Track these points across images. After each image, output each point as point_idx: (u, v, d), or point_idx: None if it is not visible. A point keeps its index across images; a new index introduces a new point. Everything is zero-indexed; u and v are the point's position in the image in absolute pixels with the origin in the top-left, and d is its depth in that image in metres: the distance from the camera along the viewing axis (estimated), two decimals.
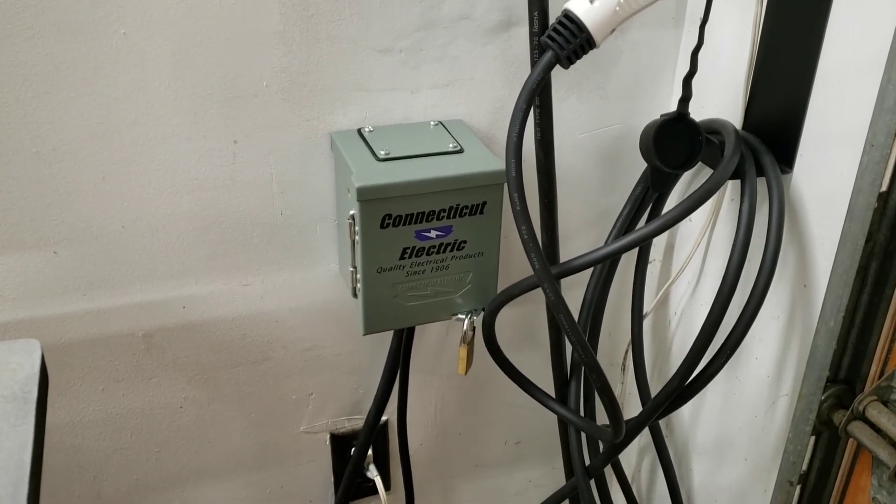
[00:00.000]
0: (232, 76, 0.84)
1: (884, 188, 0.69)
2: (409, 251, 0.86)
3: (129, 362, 0.95)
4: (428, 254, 0.87)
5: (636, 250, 1.05)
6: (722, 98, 0.93)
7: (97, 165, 0.84)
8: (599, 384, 0.80)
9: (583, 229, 1.10)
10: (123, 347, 0.94)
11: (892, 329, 0.75)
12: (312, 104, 0.89)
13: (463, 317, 0.93)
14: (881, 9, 0.69)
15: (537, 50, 0.75)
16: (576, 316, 1.01)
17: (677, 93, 0.82)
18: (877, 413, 0.73)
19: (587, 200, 1.08)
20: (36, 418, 0.46)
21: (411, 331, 1.01)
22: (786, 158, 0.85)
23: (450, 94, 0.95)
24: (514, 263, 1.00)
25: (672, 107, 0.84)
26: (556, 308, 0.77)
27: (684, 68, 0.80)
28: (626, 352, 1.17)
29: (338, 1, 0.84)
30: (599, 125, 1.03)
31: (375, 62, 0.89)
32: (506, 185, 0.76)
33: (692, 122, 0.83)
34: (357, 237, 0.84)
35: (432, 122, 0.94)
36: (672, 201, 1.01)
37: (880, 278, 0.74)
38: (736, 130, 0.85)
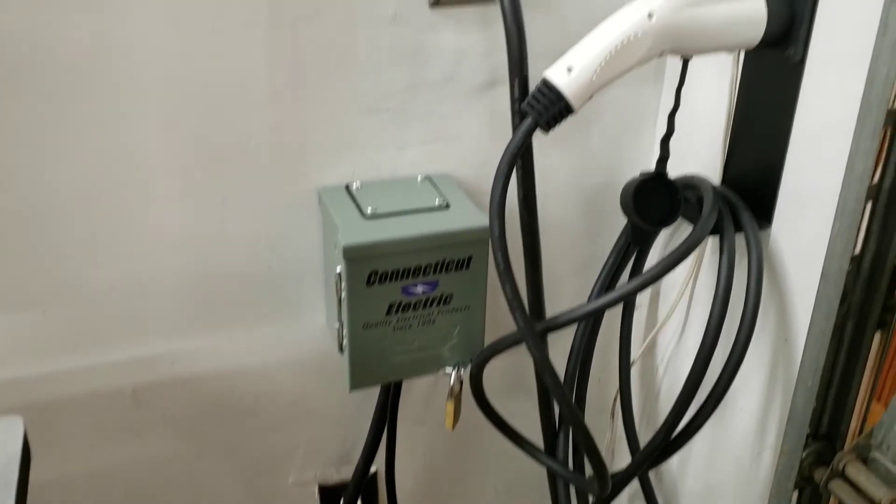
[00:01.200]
0: (221, 136, 0.86)
1: (857, 252, 0.70)
2: (395, 307, 0.87)
3: (118, 418, 0.96)
4: (414, 309, 0.88)
5: None
6: (702, 154, 0.95)
7: (86, 225, 0.85)
8: (584, 442, 0.81)
9: (568, 276, 1.11)
10: (112, 404, 0.94)
11: (869, 387, 0.76)
12: (300, 161, 0.90)
13: (450, 370, 0.94)
14: (850, 76, 0.71)
15: (518, 115, 0.77)
16: (565, 362, 1.03)
17: (659, 145, 0.83)
18: (856, 472, 0.73)
19: (572, 249, 1.10)
20: (16, 501, 0.46)
21: (399, 384, 1.01)
22: (764, 214, 0.86)
23: (437, 150, 0.96)
24: (502, 314, 1.00)
25: (653, 158, 0.86)
26: (540, 367, 0.78)
27: (665, 122, 0.82)
28: (615, 399, 1.17)
29: (326, 64, 0.86)
30: (583, 177, 1.05)
31: (363, 121, 0.91)
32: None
33: (670, 181, 0.85)
34: (343, 294, 0.85)
35: (420, 177, 0.96)
36: (655, 249, 1.02)
37: (856, 337, 0.75)
38: (714, 187, 0.87)
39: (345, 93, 0.88)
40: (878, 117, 0.66)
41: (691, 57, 0.78)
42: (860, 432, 0.77)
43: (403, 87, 0.91)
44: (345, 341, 0.88)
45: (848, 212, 0.68)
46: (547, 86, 0.72)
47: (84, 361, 0.91)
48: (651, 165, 0.86)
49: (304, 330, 0.99)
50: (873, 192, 0.71)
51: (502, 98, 0.95)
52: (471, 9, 0.90)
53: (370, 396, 1.03)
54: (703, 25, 0.73)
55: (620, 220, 0.99)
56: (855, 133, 0.68)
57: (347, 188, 0.92)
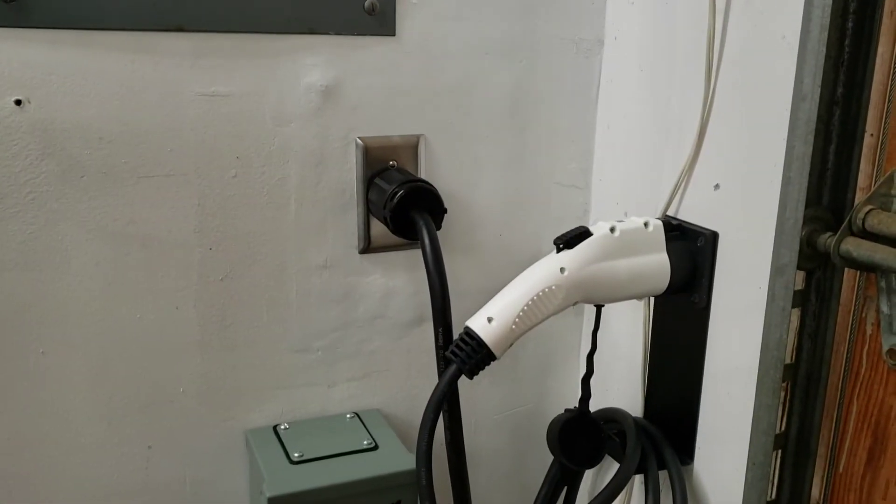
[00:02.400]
0: (149, 384, 0.86)
1: (772, 497, 0.72)
2: None
3: None
4: None
5: None
6: (623, 387, 0.99)
7: (5, 483, 0.82)
8: None
9: None
10: None
11: None
12: (229, 405, 0.91)
13: None
14: (750, 325, 0.76)
15: (443, 362, 0.80)
16: None
17: (584, 371, 0.86)
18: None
19: (505, 478, 1.10)
20: None
21: None
22: (686, 450, 0.89)
23: (366, 386, 0.98)
24: None
25: (578, 385, 0.88)
26: None
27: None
28: None
29: (256, 309, 0.89)
30: (512, 406, 1.07)
31: (292, 361, 0.93)
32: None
33: (593, 420, 0.87)
34: None
35: (348, 415, 0.96)
36: (587, 480, 1.03)
37: None
38: (636, 423, 0.89)
39: (275, 335, 0.91)
40: (776, 375, 0.70)
41: (604, 304, 0.83)
42: None
43: (333, 327, 0.94)
44: None
45: (758, 464, 0.71)
46: (469, 335, 0.75)
47: None
48: (577, 392, 0.88)
49: None
50: (781, 441, 0.74)
51: (429, 332, 0.99)
52: (399, 254, 0.95)
53: None
54: (611, 278, 0.78)
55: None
56: (756, 391, 0.72)
57: (275, 430, 0.92)
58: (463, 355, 0.75)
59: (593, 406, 0.88)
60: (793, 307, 0.69)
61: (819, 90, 0.64)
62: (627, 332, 0.97)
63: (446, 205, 0.87)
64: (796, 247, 0.66)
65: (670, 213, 0.88)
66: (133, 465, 0.88)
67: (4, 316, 0.79)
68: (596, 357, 0.85)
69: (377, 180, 0.89)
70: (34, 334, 0.80)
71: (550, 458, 1.01)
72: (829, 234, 0.67)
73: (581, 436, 0.87)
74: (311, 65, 0.84)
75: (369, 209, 0.91)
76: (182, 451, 0.89)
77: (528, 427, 1.09)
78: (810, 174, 0.67)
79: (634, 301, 0.95)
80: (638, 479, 0.98)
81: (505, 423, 1.07)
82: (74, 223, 0.79)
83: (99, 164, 0.79)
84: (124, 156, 0.79)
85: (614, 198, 0.97)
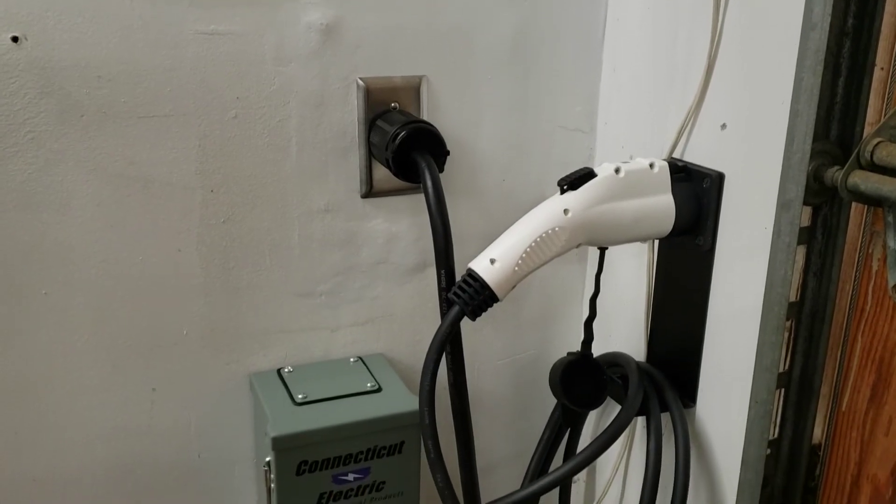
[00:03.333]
0: (152, 327, 0.86)
1: (774, 436, 0.73)
2: (326, 496, 0.86)
3: None
4: (346, 497, 0.87)
5: None
6: (626, 332, 0.99)
7: (10, 421, 0.83)
8: None
9: (504, 452, 1.11)
10: None
11: None
12: (232, 348, 0.91)
13: None
14: (754, 266, 0.76)
15: (445, 304, 0.80)
16: None
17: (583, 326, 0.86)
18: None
19: (507, 424, 1.10)
20: None
21: None
22: (689, 393, 0.89)
23: (369, 331, 0.98)
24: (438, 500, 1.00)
25: (581, 331, 0.88)
26: None
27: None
28: None
29: (258, 252, 0.89)
30: (515, 352, 1.07)
31: (296, 305, 0.93)
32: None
33: (596, 362, 0.87)
34: (273, 485, 0.84)
35: (352, 359, 0.97)
36: (589, 425, 1.04)
37: None
38: (638, 367, 0.89)
39: (278, 279, 0.91)
40: (780, 312, 0.70)
41: (608, 247, 0.82)
42: None
43: (336, 271, 0.93)
44: None
45: (761, 402, 0.71)
46: (472, 276, 0.75)
47: None
48: (579, 339, 0.88)
49: None
50: (784, 380, 0.74)
51: (433, 278, 0.99)
52: (401, 198, 0.94)
53: None
54: (615, 220, 0.77)
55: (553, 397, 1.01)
56: (760, 328, 0.71)
57: (279, 373, 0.92)
58: (465, 297, 0.75)
59: (596, 353, 0.88)
60: (798, 244, 0.69)
61: (829, 19, 0.63)
62: (631, 277, 0.97)
63: (448, 148, 0.86)
64: (803, 181, 0.65)
65: (676, 155, 0.87)
66: (138, 407, 0.88)
67: (6, 256, 0.78)
68: (599, 302, 0.85)
69: (379, 122, 0.88)
70: (37, 275, 0.80)
71: (553, 404, 1.01)
72: (836, 167, 0.66)
73: (583, 378, 0.88)
74: (311, 3, 0.83)
75: (371, 152, 0.90)
76: (186, 393, 0.90)
77: (530, 373, 1.09)
78: (818, 107, 0.65)
79: (638, 246, 0.94)
80: (640, 423, 0.99)
81: (507, 370, 1.08)
82: (74, 163, 0.79)
83: (98, 103, 0.78)
84: (123, 95, 0.79)
85: (620, 141, 0.96)
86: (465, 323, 0.75)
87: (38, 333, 0.82)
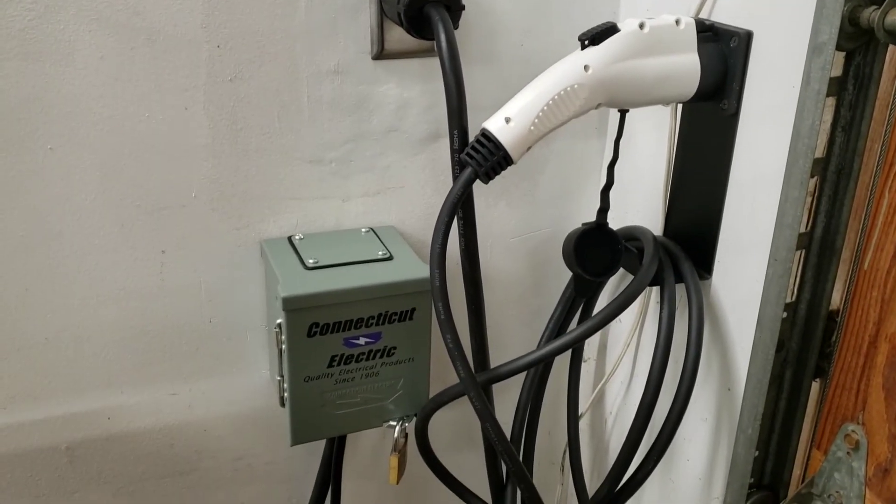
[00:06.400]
0: (160, 187, 0.85)
1: (791, 299, 0.71)
2: (337, 359, 0.86)
3: (52, 476, 0.92)
4: (357, 361, 0.87)
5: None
6: (643, 205, 0.96)
7: (20, 278, 0.83)
8: (528, 495, 0.79)
9: (516, 329, 1.11)
10: (45, 461, 0.91)
11: (810, 435, 0.76)
12: (242, 213, 0.89)
13: (395, 424, 0.92)
14: (781, 128, 0.73)
15: (458, 166, 0.77)
16: (512, 416, 1.02)
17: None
18: None
19: (519, 301, 1.09)
20: None
21: (343, 438, 1.00)
22: (704, 265, 0.87)
23: (381, 202, 0.96)
24: (449, 365, 1.00)
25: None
26: (482, 417, 0.77)
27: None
28: (565, 452, 1.16)
29: (267, 114, 0.86)
30: (529, 229, 1.06)
31: (306, 172, 0.91)
32: None
33: (611, 231, 0.85)
34: (284, 346, 0.84)
35: (363, 229, 0.95)
36: (602, 301, 1.03)
37: (795, 385, 0.76)
38: (654, 238, 0.88)
39: (287, 144, 0.88)
40: (805, 166, 0.67)
41: (628, 109, 0.79)
42: (803, 479, 0.77)
43: (346, 138, 0.91)
44: (286, 394, 0.86)
45: (780, 260, 0.69)
46: (486, 136, 0.73)
47: (15, 417, 0.88)
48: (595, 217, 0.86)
49: (247, 384, 0.97)
50: (805, 241, 0.72)
51: (446, 150, 0.96)
52: (413, 61, 0.91)
53: (315, 453, 1.01)
54: (637, 78, 0.74)
55: (567, 274, 0.99)
56: (784, 182, 0.69)
57: (290, 240, 0.91)
58: (479, 157, 0.73)
59: (612, 227, 0.86)
60: (828, 95, 0.65)
61: None
62: (651, 148, 0.94)
63: (464, 2, 0.82)
64: (837, 22, 0.62)
65: (703, 15, 0.83)
66: (147, 269, 0.88)
67: (9, 107, 0.77)
68: (617, 175, 0.82)
69: None
70: (40, 129, 0.78)
71: (565, 283, 1.00)
72: (874, 7, 0.62)
73: (598, 247, 0.86)
74: None
75: (382, 9, 0.86)
76: (196, 256, 0.89)
77: (544, 251, 1.07)
78: None
79: (660, 117, 0.91)
80: (654, 299, 0.98)
81: (521, 247, 1.06)
82: (76, 11, 0.76)
83: None
84: None
85: (645, 3, 0.92)
86: (479, 199, 0.73)
87: (45, 189, 0.81)
